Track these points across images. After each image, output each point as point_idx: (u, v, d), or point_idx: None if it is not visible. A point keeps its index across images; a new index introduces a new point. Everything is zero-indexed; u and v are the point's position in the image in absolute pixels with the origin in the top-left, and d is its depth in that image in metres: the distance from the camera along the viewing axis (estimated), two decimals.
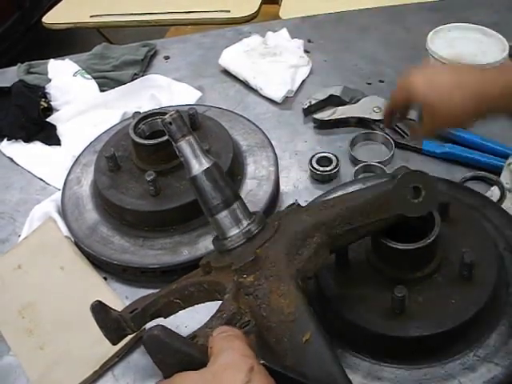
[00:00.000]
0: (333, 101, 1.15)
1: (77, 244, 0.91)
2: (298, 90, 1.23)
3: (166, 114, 0.93)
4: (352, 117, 1.12)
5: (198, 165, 0.67)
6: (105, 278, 0.89)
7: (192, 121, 0.97)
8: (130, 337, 0.77)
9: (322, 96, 1.16)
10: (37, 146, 1.16)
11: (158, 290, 0.75)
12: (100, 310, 0.70)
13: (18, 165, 1.13)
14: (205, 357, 0.48)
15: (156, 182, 0.87)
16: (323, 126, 1.13)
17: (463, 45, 1.09)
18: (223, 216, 0.67)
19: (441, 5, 1.45)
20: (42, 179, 1.09)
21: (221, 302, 0.63)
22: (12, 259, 0.91)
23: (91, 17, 1.88)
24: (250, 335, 0.56)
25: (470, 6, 1.40)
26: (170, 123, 0.68)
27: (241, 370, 0.45)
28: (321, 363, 0.54)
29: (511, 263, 0.76)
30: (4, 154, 1.15)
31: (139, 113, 0.96)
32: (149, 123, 0.94)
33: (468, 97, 0.70)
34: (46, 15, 1.93)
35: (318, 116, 1.13)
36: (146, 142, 0.90)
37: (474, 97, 0.70)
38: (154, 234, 0.89)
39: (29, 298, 0.85)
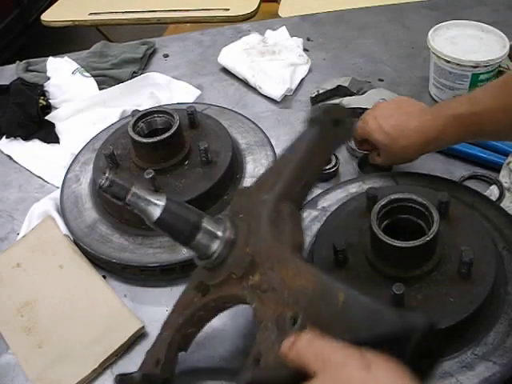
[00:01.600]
0: (340, 91, 1.16)
1: (76, 242, 0.91)
2: (297, 88, 1.23)
3: (165, 112, 0.94)
4: (358, 107, 1.12)
5: (154, 209, 0.64)
6: (104, 277, 0.89)
7: (191, 119, 0.97)
8: (128, 336, 0.77)
9: (330, 86, 1.16)
10: (35, 144, 1.16)
11: (160, 330, 0.73)
12: (123, 381, 0.69)
13: (16, 163, 1.13)
14: (300, 373, 0.48)
15: (155, 180, 0.87)
16: None
17: (464, 42, 1.10)
18: (199, 238, 0.65)
19: (440, 3, 1.45)
20: (40, 177, 1.09)
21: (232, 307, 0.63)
22: (11, 257, 0.91)
23: (90, 14, 1.88)
24: (305, 329, 0.53)
25: (469, 5, 1.41)
26: (110, 186, 0.63)
27: (355, 357, 0.46)
28: (366, 313, 0.52)
29: (510, 262, 0.76)
30: (2, 152, 1.15)
31: (138, 111, 0.96)
32: (148, 121, 0.94)
33: (409, 144, 0.86)
34: (45, 13, 1.93)
35: None
36: (145, 140, 0.90)
37: (414, 142, 0.85)
38: (152, 232, 0.88)
39: (27, 296, 0.85)
